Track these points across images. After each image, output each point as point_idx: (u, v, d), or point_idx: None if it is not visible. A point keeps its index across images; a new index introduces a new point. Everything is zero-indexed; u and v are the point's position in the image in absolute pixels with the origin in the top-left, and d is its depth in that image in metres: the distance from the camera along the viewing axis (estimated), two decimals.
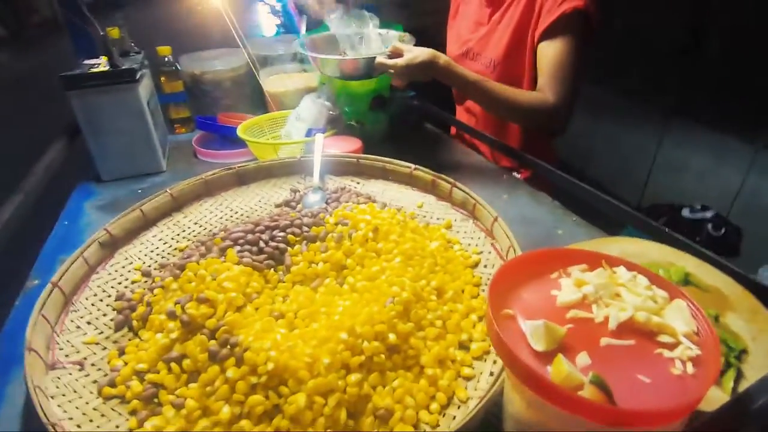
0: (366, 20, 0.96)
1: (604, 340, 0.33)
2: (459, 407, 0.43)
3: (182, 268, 0.55)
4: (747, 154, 1.77)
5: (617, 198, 0.72)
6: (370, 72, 0.90)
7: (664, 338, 0.33)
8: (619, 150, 2.24)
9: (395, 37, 0.96)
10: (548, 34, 0.87)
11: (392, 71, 0.85)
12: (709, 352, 0.32)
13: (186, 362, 0.44)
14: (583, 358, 0.31)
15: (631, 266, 0.38)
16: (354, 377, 0.41)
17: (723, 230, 1.58)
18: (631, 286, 0.36)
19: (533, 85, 0.94)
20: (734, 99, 1.76)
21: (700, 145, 1.95)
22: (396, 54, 0.85)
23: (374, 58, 0.86)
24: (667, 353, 0.32)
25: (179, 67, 1.08)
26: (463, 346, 0.48)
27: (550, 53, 0.87)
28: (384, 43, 0.97)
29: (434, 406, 0.42)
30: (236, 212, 0.73)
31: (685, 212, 1.67)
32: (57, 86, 0.83)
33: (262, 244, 0.57)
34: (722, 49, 1.81)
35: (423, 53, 0.83)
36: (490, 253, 0.61)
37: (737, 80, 1.76)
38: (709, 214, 1.63)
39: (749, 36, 1.68)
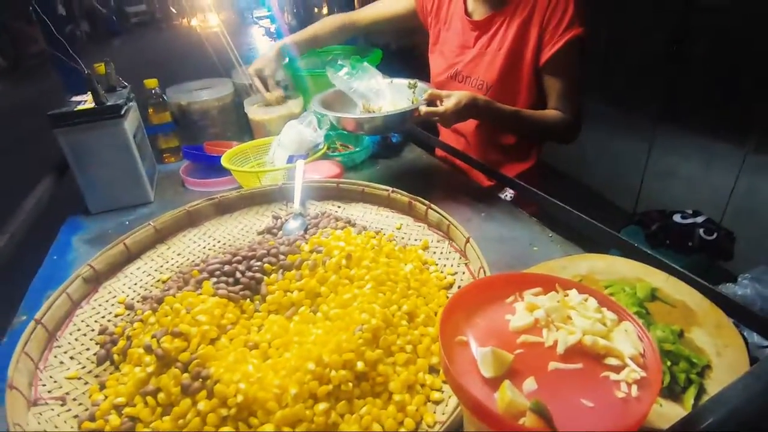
0: (372, 73, 0.95)
1: (552, 365, 0.34)
2: None
3: (161, 301, 0.56)
4: (737, 157, 1.78)
5: (612, 205, 0.73)
6: (404, 124, 0.89)
7: (611, 361, 0.34)
8: (612, 158, 2.26)
9: (405, 84, 0.96)
10: (554, 60, 0.93)
11: (437, 118, 0.85)
12: (653, 373, 0.33)
13: (161, 395, 0.45)
14: (529, 384, 0.33)
15: (582, 289, 0.40)
16: (321, 406, 0.42)
17: (715, 235, 1.58)
18: (581, 309, 0.38)
19: (529, 103, 0.98)
20: (721, 104, 1.78)
21: (689, 150, 1.96)
22: (433, 100, 0.86)
23: (412, 110, 0.84)
24: (613, 376, 0.33)
25: (166, 98, 1.10)
26: (434, 370, 0.49)
27: (559, 77, 0.95)
28: (396, 93, 0.95)
29: (402, 431, 0.43)
30: (219, 241, 0.75)
31: (677, 218, 1.67)
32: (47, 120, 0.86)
33: (238, 274, 0.59)
34: (706, 55, 1.83)
35: (464, 96, 0.84)
36: (464, 273, 0.62)
37: (723, 85, 1.78)
38: (700, 219, 1.64)
39: (732, 41, 1.71)
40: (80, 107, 0.87)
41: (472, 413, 0.31)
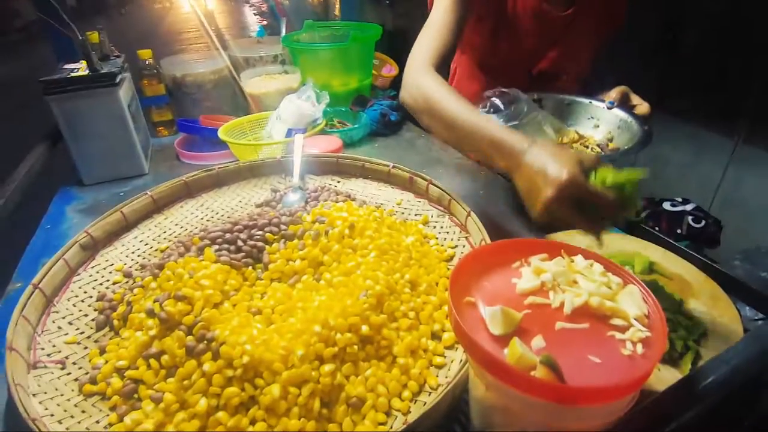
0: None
1: (559, 324, 0.35)
2: (430, 394, 0.44)
3: (161, 267, 0.56)
4: (727, 147, 1.81)
5: None
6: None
7: (616, 321, 0.35)
8: None
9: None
10: None
11: None
12: (658, 333, 0.34)
13: (164, 358, 0.45)
14: (538, 341, 0.33)
15: (588, 255, 0.40)
16: (327, 367, 0.42)
17: (703, 222, 1.62)
18: (587, 273, 0.38)
19: None
20: (712, 93, 1.79)
21: (680, 139, 1.99)
22: (623, 99, 0.81)
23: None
24: (618, 335, 0.34)
25: (160, 70, 1.08)
26: (436, 337, 0.50)
27: None
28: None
29: (406, 393, 0.44)
30: (217, 213, 0.74)
31: (666, 205, 1.70)
32: (38, 91, 0.84)
33: (240, 242, 0.58)
34: (698, 43, 1.84)
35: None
36: (464, 246, 0.63)
37: (714, 74, 1.79)
38: (689, 207, 1.67)
39: (724, 29, 1.72)
40: (74, 74, 0.85)
41: (482, 367, 0.31)
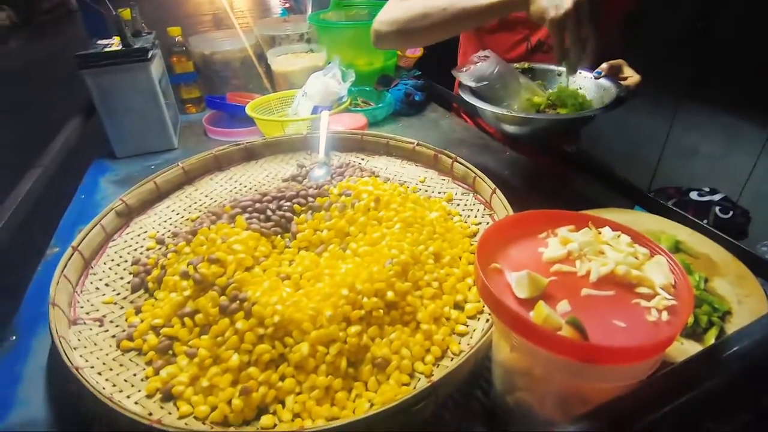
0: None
1: (585, 291, 0.35)
2: (452, 359, 0.45)
3: (194, 233, 0.58)
4: (759, 138, 1.75)
5: (627, 181, 0.73)
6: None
7: (642, 290, 0.35)
8: (630, 133, 2.23)
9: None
10: None
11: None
12: (684, 302, 0.34)
13: (198, 317, 0.47)
14: (563, 306, 0.34)
15: (615, 226, 0.40)
16: (354, 329, 0.44)
17: (731, 213, 1.58)
18: (614, 244, 0.39)
19: None
20: (747, 82, 1.74)
21: (711, 129, 1.93)
22: (613, 71, 0.82)
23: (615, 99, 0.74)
24: (644, 303, 0.34)
25: (189, 48, 1.10)
26: (458, 307, 0.51)
27: None
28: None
29: (429, 358, 0.45)
30: (245, 186, 0.76)
31: (693, 195, 1.66)
32: (72, 68, 0.86)
33: (269, 212, 0.60)
34: (735, 31, 1.78)
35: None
36: (488, 224, 0.63)
37: (750, 63, 1.73)
38: (717, 197, 1.63)
39: (763, 17, 1.66)
40: (108, 49, 0.87)
41: (508, 327, 0.32)
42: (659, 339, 0.31)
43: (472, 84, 0.78)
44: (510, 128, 0.79)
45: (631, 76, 0.85)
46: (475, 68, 0.78)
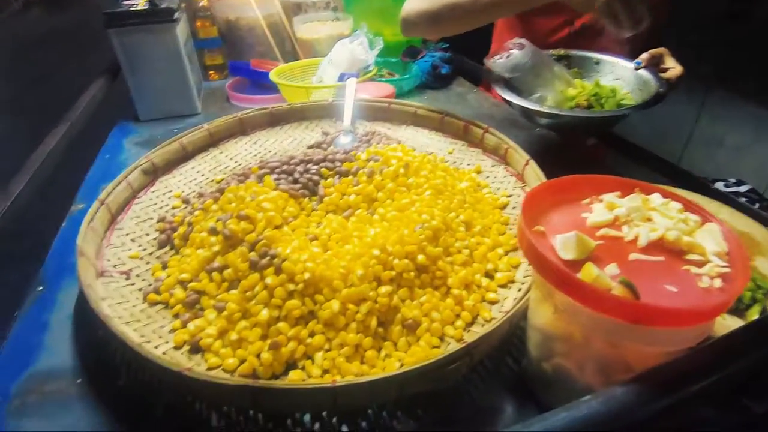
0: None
1: (633, 256, 0.34)
2: (483, 325, 0.44)
3: (221, 192, 0.57)
4: None
5: (662, 160, 0.71)
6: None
7: (693, 257, 0.34)
8: (655, 121, 2.17)
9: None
10: None
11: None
12: (738, 270, 0.33)
13: (227, 272, 0.47)
14: (611, 269, 0.33)
15: (665, 193, 0.39)
16: (384, 289, 0.43)
17: (757, 205, 1.54)
18: (664, 210, 0.37)
19: None
20: None
21: (739, 119, 1.88)
22: (654, 61, 0.78)
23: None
24: (695, 269, 0.33)
25: (214, 13, 1.08)
26: (489, 276, 0.50)
27: None
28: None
29: (459, 322, 0.44)
30: (269, 151, 0.75)
31: (719, 186, 1.62)
32: (95, 37, 0.85)
33: (297, 174, 0.59)
34: None
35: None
36: (519, 196, 0.62)
37: None
38: (743, 189, 1.59)
39: None
40: (134, 8, 0.86)
41: (556, 286, 0.31)
42: (715, 303, 0.29)
43: (505, 75, 0.76)
44: (541, 120, 0.77)
45: (672, 68, 0.81)
46: (508, 59, 0.76)
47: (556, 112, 0.71)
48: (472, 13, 0.73)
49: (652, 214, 0.37)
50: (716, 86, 1.92)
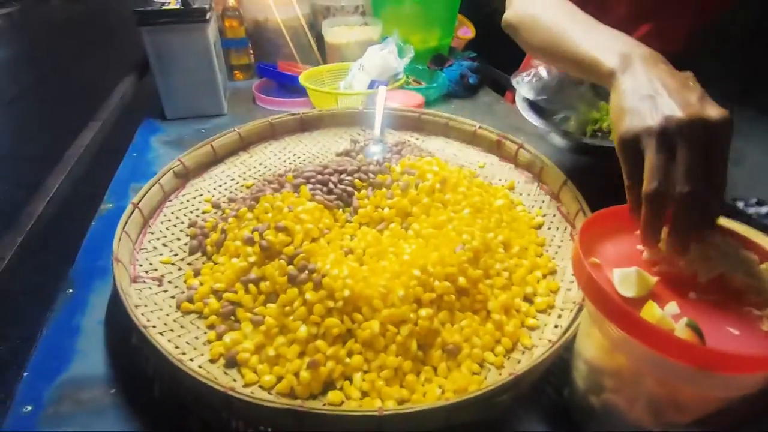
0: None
1: (692, 294, 0.33)
2: (524, 353, 0.44)
3: (255, 199, 0.57)
4: None
5: None
6: None
7: (752, 298, 0.33)
8: None
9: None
10: None
11: None
12: None
13: (264, 284, 0.46)
14: (671, 308, 0.32)
15: (724, 230, 0.38)
16: (425, 312, 0.42)
17: None
18: (723, 247, 0.36)
19: None
20: None
21: (759, 136, 1.85)
22: None
23: None
24: (756, 312, 0.32)
25: (242, 13, 1.08)
26: (528, 300, 0.49)
27: None
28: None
29: (499, 349, 0.43)
30: (299, 157, 0.74)
31: (739, 205, 1.60)
32: (115, 27, 0.85)
33: (331, 185, 0.59)
34: None
35: None
36: (554, 216, 0.61)
37: None
38: (764, 210, 1.57)
39: None
40: (166, 7, 0.86)
41: (616, 323, 0.30)
42: None
43: (531, 96, 0.75)
44: (561, 143, 0.76)
45: None
46: (535, 82, 0.74)
47: (575, 139, 0.69)
48: (542, 51, 0.61)
49: (710, 249, 0.36)
50: (738, 103, 1.89)
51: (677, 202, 0.33)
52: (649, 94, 0.36)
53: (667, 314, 0.31)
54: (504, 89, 1.10)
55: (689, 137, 0.33)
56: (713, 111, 0.34)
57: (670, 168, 0.33)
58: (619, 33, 0.44)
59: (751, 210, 1.62)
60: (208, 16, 0.87)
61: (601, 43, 0.44)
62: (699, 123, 0.33)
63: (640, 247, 0.37)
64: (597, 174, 0.80)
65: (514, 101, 1.06)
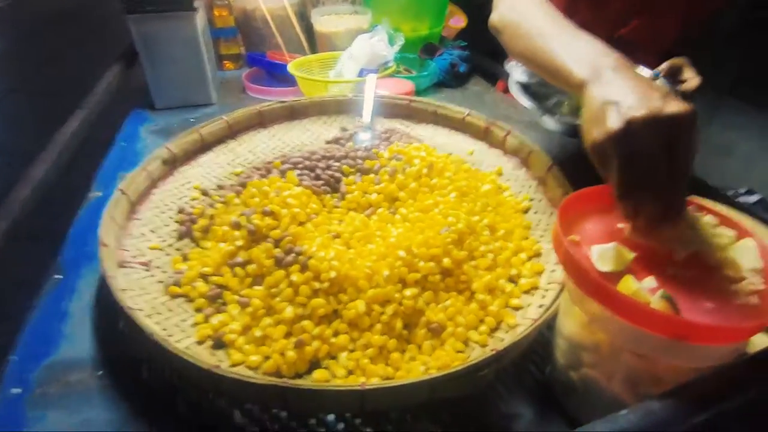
0: None
1: (670, 270, 0.34)
2: (507, 332, 0.44)
3: (243, 185, 0.57)
4: None
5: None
6: None
7: (728, 273, 0.34)
8: None
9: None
10: None
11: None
12: None
13: (251, 267, 0.46)
14: (649, 282, 0.32)
15: (700, 207, 0.38)
16: (409, 291, 0.43)
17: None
18: (700, 224, 0.37)
19: None
20: None
21: (749, 128, 1.86)
22: (672, 71, 0.76)
23: None
24: (731, 286, 0.33)
25: (231, 2, 1.07)
26: (512, 281, 0.50)
27: None
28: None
29: (483, 328, 0.44)
30: (288, 144, 0.74)
31: (729, 194, 1.62)
32: (106, 18, 0.84)
33: (318, 171, 0.59)
34: None
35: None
36: (540, 201, 0.61)
37: None
38: (752, 199, 1.58)
39: None
40: None
41: (594, 297, 0.31)
42: (757, 321, 0.29)
43: (524, 80, 0.75)
44: (553, 127, 0.76)
45: (691, 78, 0.80)
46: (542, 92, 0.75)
47: (567, 122, 0.70)
48: (524, 56, 0.59)
49: (688, 227, 0.37)
50: (729, 94, 1.90)
51: (641, 197, 0.35)
52: (614, 100, 0.36)
53: (644, 288, 0.32)
54: (495, 79, 1.10)
55: (650, 134, 0.34)
56: (674, 106, 0.34)
57: (636, 168, 0.34)
58: (594, 42, 0.45)
59: (741, 199, 1.64)
60: (195, 5, 0.87)
61: (574, 54, 0.44)
62: (659, 119, 0.34)
63: (621, 225, 0.38)
64: (577, 157, 0.81)
65: (505, 91, 1.07)
